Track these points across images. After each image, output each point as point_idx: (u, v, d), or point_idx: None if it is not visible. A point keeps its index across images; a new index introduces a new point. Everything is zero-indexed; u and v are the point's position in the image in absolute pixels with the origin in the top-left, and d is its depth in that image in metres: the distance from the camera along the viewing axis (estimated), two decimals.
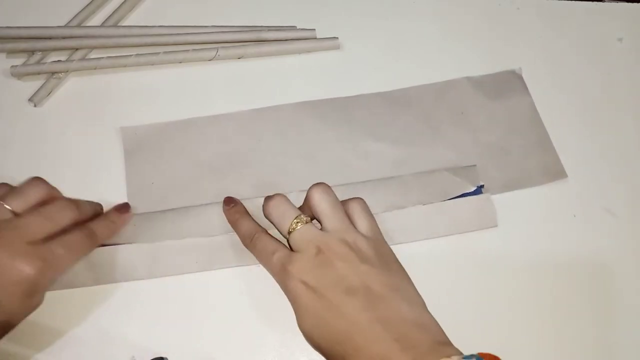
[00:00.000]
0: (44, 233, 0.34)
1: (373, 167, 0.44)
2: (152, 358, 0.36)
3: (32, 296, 0.33)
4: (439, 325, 0.32)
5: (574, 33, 0.52)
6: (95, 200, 0.40)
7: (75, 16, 0.49)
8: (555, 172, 0.44)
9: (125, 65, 0.47)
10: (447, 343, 0.31)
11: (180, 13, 0.50)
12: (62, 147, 0.44)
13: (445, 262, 0.40)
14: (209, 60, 0.48)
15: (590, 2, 0.53)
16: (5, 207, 0.34)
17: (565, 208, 0.43)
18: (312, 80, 0.48)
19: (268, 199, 0.37)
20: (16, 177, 0.42)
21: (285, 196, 0.37)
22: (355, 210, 0.37)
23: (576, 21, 0.52)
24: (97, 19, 0.50)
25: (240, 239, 0.38)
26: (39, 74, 0.46)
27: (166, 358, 0.36)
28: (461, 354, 0.30)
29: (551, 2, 0.53)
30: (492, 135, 0.45)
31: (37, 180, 0.37)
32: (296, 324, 0.38)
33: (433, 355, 0.30)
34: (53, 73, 0.46)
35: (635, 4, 0.54)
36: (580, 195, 0.43)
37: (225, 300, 0.38)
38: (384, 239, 0.36)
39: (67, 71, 0.46)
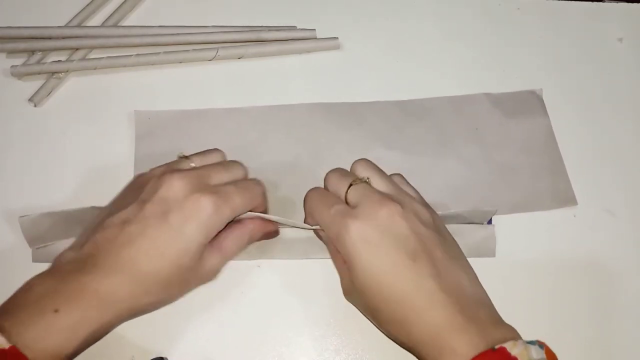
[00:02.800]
0: (220, 179, 0.36)
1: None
2: (152, 358, 0.36)
3: (208, 235, 0.34)
4: (492, 303, 0.33)
5: (574, 33, 0.52)
6: (97, 200, 0.40)
7: (75, 16, 0.49)
8: (565, 198, 0.43)
9: (125, 65, 0.47)
10: (503, 322, 0.32)
11: (180, 13, 0.50)
12: (62, 147, 0.44)
13: None
14: (209, 60, 0.48)
15: (590, 2, 0.53)
16: (188, 162, 0.37)
17: (565, 208, 0.43)
18: (312, 80, 0.48)
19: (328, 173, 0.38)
20: (16, 177, 0.42)
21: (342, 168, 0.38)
22: (400, 181, 0.37)
23: (576, 21, 0.52)
24: (97, 19, 0.50)
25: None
26: (39, 74, 0.46)
27: (166, 358, 0.36)
28: (520, 337, 0.30)
29: (551, 2, 0.53)
30: (504, 154, 0.45)
31: (217, 149, 0.39)
32: (299, 323, 0.38)
33: (497, 333, 0.30)
34: (53, 73, 0.46)
35: (635, 4, 0.54)
36: (580, 195, 0.43)
37: (225, 299, 0.38)
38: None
39: (67, 71, 0.46)
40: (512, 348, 0.29)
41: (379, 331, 0.38)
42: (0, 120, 0.45)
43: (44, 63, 0.46)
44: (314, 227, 0.37)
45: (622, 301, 0.40)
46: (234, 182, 0.36)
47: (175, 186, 0.34)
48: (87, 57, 0.47)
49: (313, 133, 0.45)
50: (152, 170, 0.36)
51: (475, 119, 0.46)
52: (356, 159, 0.43)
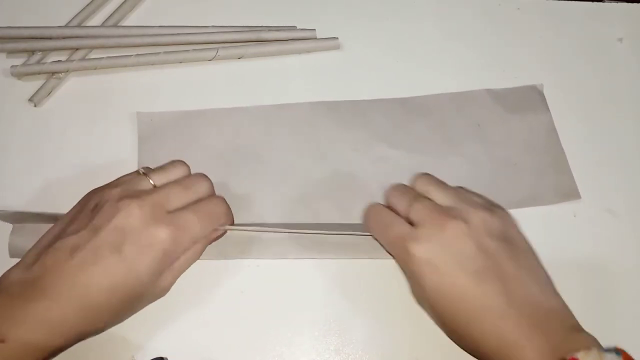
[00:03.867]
0: (181, 202, 0.35)
1: (385, 173, 0.43)
2: (152, 358, 0.36)
3: (162, 266, 0.33)
4: (569, 309, 0.32)
5: (574, 33, 0.52)
6: None
7: (75, 16, 0.49)
8: (568, 192, 0.43)
9: (125, 65, 0.47)
10: (580, 329, 0.31)
11: (180, 13, 0.50)
12: (62, 147, 0.44)
13: None
14: (209, 60, 0.48)
15: (590, 2, 0.53)
16: (148, 180, 0.35)
17: (565, 208, 0.43)
18: (312, 80, 0.48)
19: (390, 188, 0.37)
20: (16, 177, 0.42)
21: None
22: (463, 191, 0.36)
23: (576, 21, 0.52)
24: (97, 19, 0.50)
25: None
26: (39, 74, 0.46)
27: (166, 358, 0.36)
28: (598, 343, 0.30)
29: (551, 2, 0.53)
30: (507, 150, 0.45)
31: (179, 162, 0.37)
32: (299, 323, 0.38)
33: (571, 343, 0.29)
34: (53, 73, 0.46)
35: (635, 4, 0.54)
36: (580, 195, 0.43)
37: (226, 299, 0.38)
38: (503, 207, 0.35)
39: (67, 71, 0.46)
40: (584, 357, 0.28)
41: (379, 331, 0.38)
42: (0, 120, 0.45)
43: (44, 63, 0.46)
44: (367, 234, 0.37)
45: (622, 301, 0.40)
46: (195, 205, 0.35)
47: (132, 215, 0.33)
48: (87, 57, 0.47)
49: (317, 132, 0.45)
50: (108, 187, 0.35)
51: (477, 115, 0.46)
52: (361, 157, 0.44)
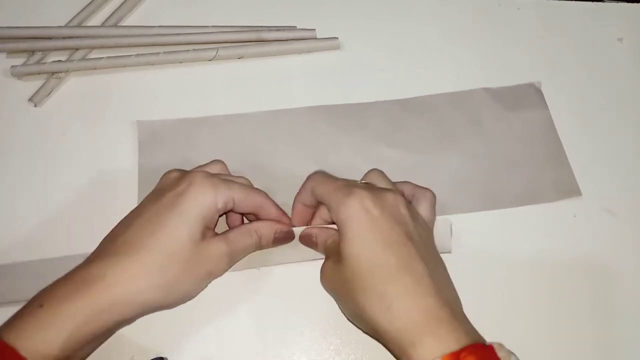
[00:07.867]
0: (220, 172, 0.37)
1: (385, 173, 0.43)
2: (152, 358, 0.36)
3: (203, 209, 0.33)
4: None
5: (574, 33, 0.52)
6: (96, 200, 0.40)
7: (75, 16, 0.49)
8: (569, 189, 0.43)
9: (125, 65, 0.47)
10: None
11: (180, 13, 0.50)
12: (62, 147, 0.44)
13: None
14: (209, 60, 0.48)
15: (590, 2, 0.53)
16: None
17: (565, 208, 0.43)
18: (312, 80, 0.48)
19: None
20: (16, 177, 0.42)
21: None
22: (422, 197, 0.37)
23: (576, 21, 0.52)
24: (97, 19, 0.50)
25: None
26: (39, 74, 0.46)
27: (166, 358, 0.36)
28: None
29: (551, 2, 0.53)
30: (506, 147, 0.45)
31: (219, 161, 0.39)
32: (299, 323, 0.38)
33: (476, 332, 0.30)
34: (53, 73, 0.46)
35: (635, 4, 0.54)
36: (581, 192, 0.43)
37: (225, 300, 0.38)
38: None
39: (67, 71, 0.46)
40: (498, 350, 0.29)
41: None
42: (0, 120, 0.45)
43: (44, 63, 0.46)
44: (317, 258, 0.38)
45: (622, 301, 0.40)
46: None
47: (171, 175, 0.36)
48: (87, 57, 0.47)
49: (316, 135, 0.45)
50: None
51: (476, 113, 0.47)
52: (361, 160, 0.44)
